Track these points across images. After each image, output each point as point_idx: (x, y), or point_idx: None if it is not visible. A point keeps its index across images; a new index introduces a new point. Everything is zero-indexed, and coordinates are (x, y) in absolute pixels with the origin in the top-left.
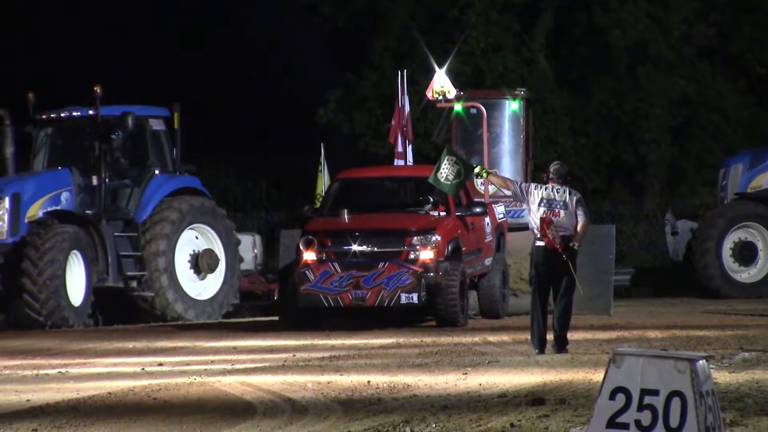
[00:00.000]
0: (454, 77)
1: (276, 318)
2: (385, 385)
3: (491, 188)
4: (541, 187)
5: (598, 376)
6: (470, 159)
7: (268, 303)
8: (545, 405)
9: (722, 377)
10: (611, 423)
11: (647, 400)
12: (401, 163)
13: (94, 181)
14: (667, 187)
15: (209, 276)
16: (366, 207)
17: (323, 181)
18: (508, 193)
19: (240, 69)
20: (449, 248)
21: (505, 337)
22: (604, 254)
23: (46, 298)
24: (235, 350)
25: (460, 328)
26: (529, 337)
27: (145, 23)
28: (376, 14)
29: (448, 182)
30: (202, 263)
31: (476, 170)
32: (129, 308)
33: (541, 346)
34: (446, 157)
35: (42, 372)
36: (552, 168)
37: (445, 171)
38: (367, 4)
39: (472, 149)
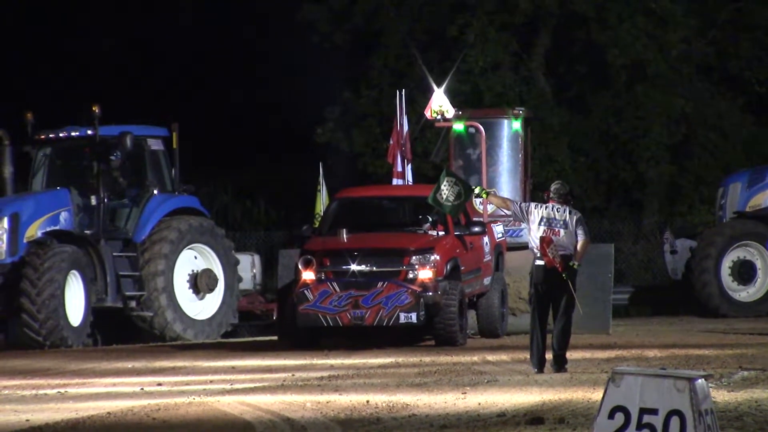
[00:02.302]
0: (453, 96)
1: (275, 338)
2: (384, 404)
3: (490, 208)
4: (541, 207)
5: (597, 395)
6: (469, 178)
7: (266, 323)
8: (544, 424)
9: (721, 396)
10: None
11: (646, 419)
12: (400, 182)
13: (93, 200)
14: (665, 205)
15: (208, 296)
16: (365, 226)
17: (322, 201)
18: (507, 212)
19: (240, 88)
20: (448, 267)
21: (503, 357)
22: (603, 273)
23: (45, 318)
24: (234, 370)
25: (458, 347)
26: (528, 357)
27: (141, 42)
28: (374, 32)
29: (449, 203)
30: (200, 283)
31: (476, 191)
32: (128, 328)
33: (540, 365)
34: (445, 179)
35: (41, 392)
36: (552, 187)
37: (446, 192)
38: (365, 22)
39: (471, 168)
